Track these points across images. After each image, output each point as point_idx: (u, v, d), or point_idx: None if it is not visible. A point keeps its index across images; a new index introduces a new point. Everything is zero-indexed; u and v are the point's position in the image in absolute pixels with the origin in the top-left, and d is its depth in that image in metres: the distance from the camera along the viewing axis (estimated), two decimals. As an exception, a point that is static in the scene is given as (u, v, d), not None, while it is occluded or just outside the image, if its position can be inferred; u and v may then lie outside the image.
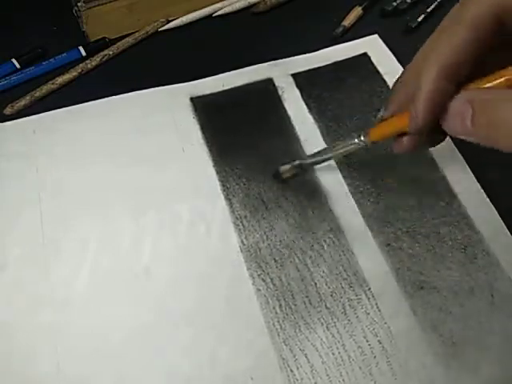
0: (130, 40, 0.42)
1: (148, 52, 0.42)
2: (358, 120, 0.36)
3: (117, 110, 0.37)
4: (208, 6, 0.44)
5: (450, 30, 0.19)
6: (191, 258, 0.30)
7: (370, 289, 0.29)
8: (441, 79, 0.19)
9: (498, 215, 0.32)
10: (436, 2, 0.43)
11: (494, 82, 0.18)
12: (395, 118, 0.24)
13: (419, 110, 0.20)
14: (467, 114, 0.18)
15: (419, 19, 0.42)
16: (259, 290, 0.29)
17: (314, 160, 0.32)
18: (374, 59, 0.40)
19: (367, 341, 0.28)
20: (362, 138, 0.27)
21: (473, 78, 0.19)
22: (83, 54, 0.41)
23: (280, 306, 0.29)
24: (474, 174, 0.33)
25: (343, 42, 0.42)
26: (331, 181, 0.33)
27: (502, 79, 0.18)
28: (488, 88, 0.19)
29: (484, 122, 0.18)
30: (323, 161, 0.32)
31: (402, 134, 0.24)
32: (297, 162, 0.32)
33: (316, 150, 0.32)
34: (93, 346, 0.27)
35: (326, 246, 0.31)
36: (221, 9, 0.44)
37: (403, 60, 0.39)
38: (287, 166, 0.32)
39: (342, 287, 0.29)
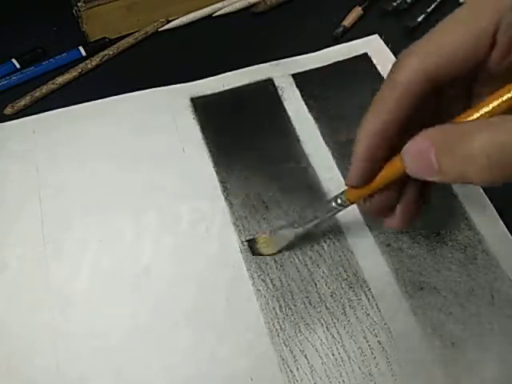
0: (130, 40, 0.42)
1: (148, 52, 0.42)
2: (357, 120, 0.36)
3: (117, 110, 0.37)
4: (208, 5, 0.44)
5: (384, 97, 0.20)
6: (191, 258, 0.30)
7: (369, 289, 0.29)
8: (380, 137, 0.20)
9: (498, 215, 0.32)
10: (436, 2, 0.43)
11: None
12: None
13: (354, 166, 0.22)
14: (430, 152, 0.16)
15: (419, 19, 0.42)
16: (259, 290, 0.29)
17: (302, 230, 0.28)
18: (374, 59, 0.40)
19: (367, 341, 0.28)
20: (340, 202, 0.25)
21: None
22: (83, 54, 0.41)
23: (280, 306, 0.29)
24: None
25: (343, 42, 0.42)
26: (331, 181, 0.33)
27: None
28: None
29: (450, 160, 0.16)
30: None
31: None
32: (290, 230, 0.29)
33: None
34: (92, 346, 0.27)
35: (325, 246, 0.31)
36: (221, 9, 0.44)
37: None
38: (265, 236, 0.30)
39: (342, 288, 0.29)
